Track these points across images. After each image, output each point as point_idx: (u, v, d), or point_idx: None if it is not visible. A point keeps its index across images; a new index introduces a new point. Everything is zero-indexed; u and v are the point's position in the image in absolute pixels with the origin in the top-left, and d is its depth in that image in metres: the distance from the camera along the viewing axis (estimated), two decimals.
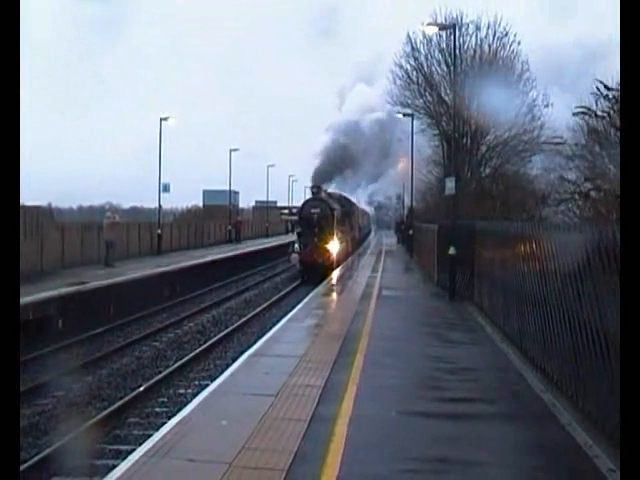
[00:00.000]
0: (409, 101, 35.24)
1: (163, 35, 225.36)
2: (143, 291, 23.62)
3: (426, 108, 34.84)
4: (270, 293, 28.79)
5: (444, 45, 32.16)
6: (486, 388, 9.51)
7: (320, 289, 22.34)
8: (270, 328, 15.29)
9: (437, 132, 35.09)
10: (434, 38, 32.49)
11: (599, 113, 15.65)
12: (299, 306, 17.96)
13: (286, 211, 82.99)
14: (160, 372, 14.30)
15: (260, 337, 14.11)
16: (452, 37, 25.11)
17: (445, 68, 32.44)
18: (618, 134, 13.53)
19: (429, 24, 26.08)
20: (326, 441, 6.81)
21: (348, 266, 32.86)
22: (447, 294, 19.91)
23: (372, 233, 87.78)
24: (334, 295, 21.40)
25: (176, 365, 14.78)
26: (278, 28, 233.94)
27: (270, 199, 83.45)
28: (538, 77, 31.60)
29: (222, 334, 18.67)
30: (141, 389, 12.73)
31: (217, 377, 10.35)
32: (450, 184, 20.45)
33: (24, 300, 16.01)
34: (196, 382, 13.58)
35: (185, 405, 8.77)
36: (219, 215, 61.53)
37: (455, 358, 11.50)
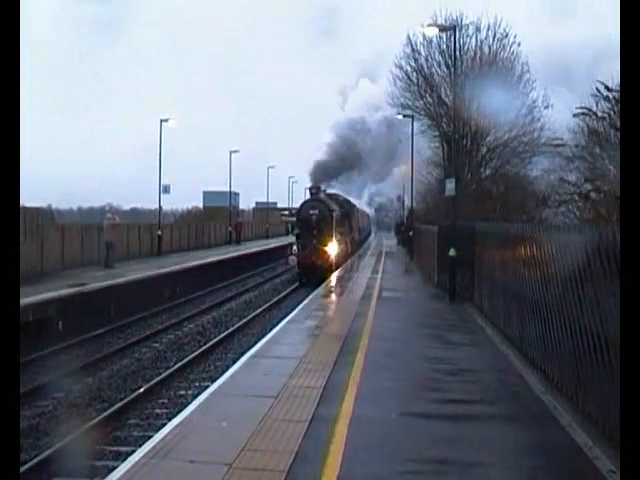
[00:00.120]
0: (409, 102, 35.30)
1: (163, 36, 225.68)
2: (143, 292, 23.62)
3: (426, 109, 34.88)
4: (270, 294, 28.77)
5: (444, 46, 32.22)
6: (486, 389, 9.50)
7: (320, 290, 22.34)
8: (270, 329, 15.29)
9: (437, 133, 35.12)
10: (434, 39, 32.57)
11: (599, 114, 15.64)
12: (299, 307, 17.96)
13: (286, 212, 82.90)
14: (160, 373, 14.30)
15: (260, 338, 14.10)
16: (452, 38, 25.13)
17: (445, 69, 32.48)
18: (618, 135, 13.53)
19: (429, 25, 26.06)
20: (326, 442, 6.81)
21: (348, 267, 32.82)
22: (447, 295, 19.91)
23: (372, 234, 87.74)
24: (334, 296, 21.40)
25: (176, 366, 14.77)
26: (278, 28, 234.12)
27: (270, 200, 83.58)
28: (539, 78, 31.68)
29: (222, 335, 18.66)
30: (141, 390, 12.72)
31: (217, 378, 10.35)
32: (450, 185, 20.45)
33: (24, 301, 16.01)
34: (196, 383, 13.57)
35: (185, 406, 8.77)
36: (219, 216, 61.53)
37: (455, 359, 11.50)
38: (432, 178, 37.93)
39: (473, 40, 32.09)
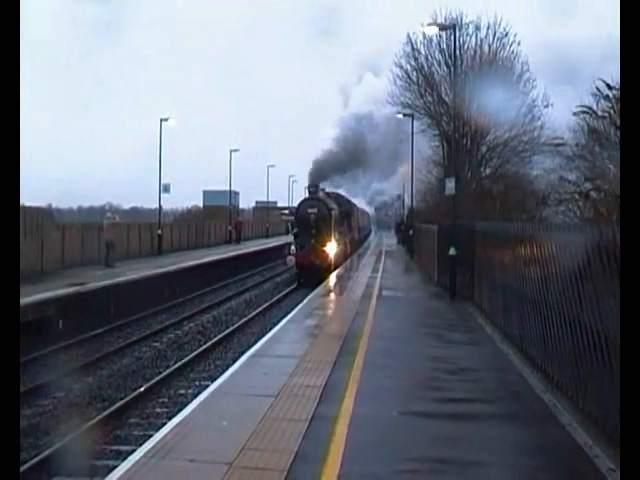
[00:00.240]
0: (409, 101, 35.28)
1: (163, 36, 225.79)
2: (143, 292, 23.62)
3: (426, 108, 34.86)
4: (270, 294, 28.77)
5: (444, 45, 32.22)
6: (486, 388, 9.50)
7: (320, 290, 22.34)
8: (270, 328, 15.29)
9: (437, 132, 35.10)
10: (434, 38, 32.56)
11: (599, 113, 15.64)
12: (299, 306, 17.96)
13: (286, 211, 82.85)
14: (160, 373, 14.30)
15: (260, 337, 14.10)
16: (452, 37, 25.12)
17: (445, 68, 32.49)
18: (618, 134, 13.52)
19: (429, 24, 26.07)
20: (326, 441, 6.81)
21: (348, 266, 32.80)
22: (447, 294, 19.92)
23: (372, 234, 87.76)
24: (334, 295, 21.40)
25: (176, 365, 14.77)
26: (278, 29, 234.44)
27: (270, 199, 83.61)
28: (538, 77, 31.65)
29: (222, 334, 18.66)
30: (141, 389, 12.72)
31: (217, 378, 10.35)
32: (450, 184, 20.46)
33: (24, 301, 16.01)
34: (196, 382, 13.58)
35: (185, 405, 8.77)
36: (219, 215, 61.59)
37: (455, 358, 11.50)
38: (432, 177, 37.93)
39: (473, 39, 32.14)
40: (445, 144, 33.70)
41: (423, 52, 33.73)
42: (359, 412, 7.89)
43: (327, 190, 37.69)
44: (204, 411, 8.01)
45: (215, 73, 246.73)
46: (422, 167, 38.78)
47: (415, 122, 35.49)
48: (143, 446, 6.84)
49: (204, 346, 17.02)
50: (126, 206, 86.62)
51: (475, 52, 32.11)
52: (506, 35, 31.64)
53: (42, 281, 21.18)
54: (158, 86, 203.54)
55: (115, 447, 9.89)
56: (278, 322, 15.85)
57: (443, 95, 32.87)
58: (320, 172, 39.08)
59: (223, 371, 11.27)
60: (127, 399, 12.05)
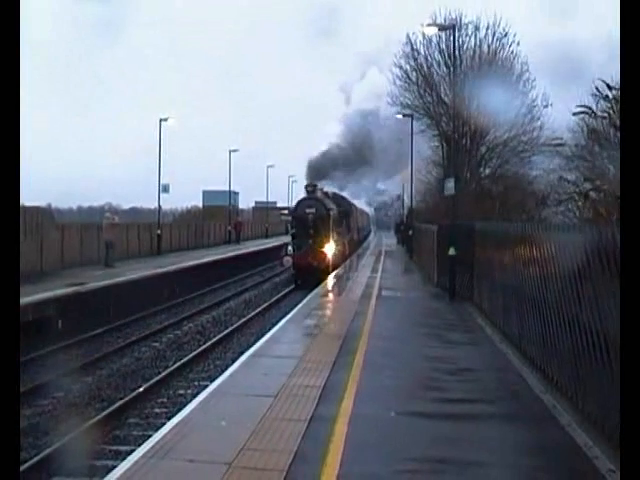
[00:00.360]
0: (409, 102, 35.27)
1: (162, 37, 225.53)
2: (142, 292, 23.61)
3: (426, 109, 34.85)
4: (270, 294, 28.77)
5: (444, 46, 32.21)
6: (486, 389, 9.50)
7: (319, 290, 22.33)
8: (270, 329, 15.29)
9: (437, 133, 35.09)
10: (434, 39, 32.56)
11: (599, 113, 15.64)
12: (298, 307, 17.96)
13: (286, 212, 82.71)
14: (160, 373, 14.30)
15: (260, 338, 14.10)
16: (452, 38, 25.14)
17: (445, 69, 32.47)
18: (618, 134, 13.53)
19: (429, 25, 26.09)
20: (326, 441, 6.81)
21: (347, 267, 32.76)
22: (447, 295, 19.91)
23: (372, 234, 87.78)
24: (334, 295, 21.40)
25: (176, 366, 14.77)
26: (278, 29, 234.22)
27: (270, 200, 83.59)
28: (538, 77, 31.63)
29: (222, 335, 18.66)
30: (141, 390, 12.72)
31: (217, 378, 10.34)
32: (449, 185, 20.46)
33: (24, 300, 16.00)
34: (196, 383, 13.57)
35: (185, 406, 8.77)
36: (219, 216, 61.57)
37: (455, 359, 11.50)
38: (432, 177, 37.92)
39: (472, 39, 32.12)
40: (445, 144, 33.68)
41: (422, 52, 33.76)
42: (358, 412, 7.89)
43: (326, 189, 37.28)
44: (203, 411, 8.01)
45: (215, 73, 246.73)
46: (422, 167, 38.77)
47: (415, 122, 35.47)
48: (142, 446, 6.83)
49: (203, 346, 17.02)
50: (126, 206, 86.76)
51: (474, 52, 32.11)
52: (505, 35, 31.67)
53: (42, 281, 21.17)
54: (158, 86, 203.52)
55: (114, 447, 9.88)
56: (277, 322, 15.86)
57: (442, 95, 32.87)
58: (319, 170, 38.67)
59: (222, 371, 11.26)
60: (126, 399, 12.05)
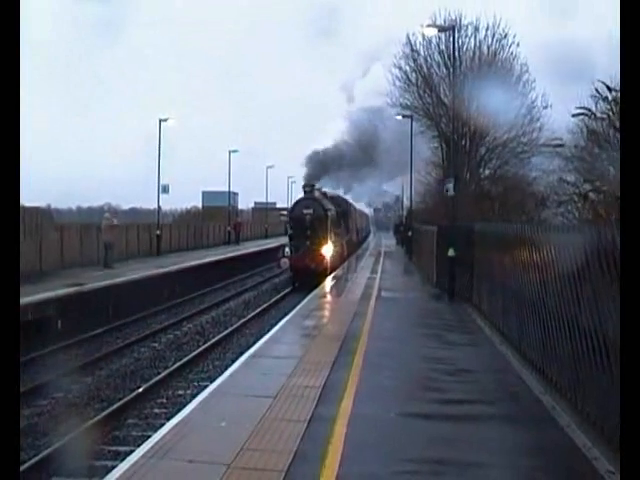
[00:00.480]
0: (408, 102, 35.27)
1: (162, 37, 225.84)
2: (142, 292, 23.61)
3: (425, 110, 34.85)
4: (269, 295, 28.75)
5: (443, 47, 32.20)
6: (485, 390, 9.50)
7: (319, 291, 22.34)
8: (269, 329, 15.28)
9: (436, 134, 35.09)
10: (433, 40, 32.55)
11: (598, 115, 15.64)
12: (298, 307, 17.96)
13: (285, 212, 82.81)
14: (159, 373, 14.29)
15: (259, 338, 14.10)
16: (451, 39, 25.13)
17: (444, 70, 32.46)
18: (618, 135, 13.53)
19: (428, 26, 26.06)
20: (325, 442, 6.81)
21: (347, 267, 32.73)
22: (446, 296, 19.92)
23: (371, 235, 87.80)
24: (333, 296, 21.40)
25: (175, 366, 14.77)
26: (278, 29, 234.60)
27: (269, 200, 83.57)
28: (538, 78, 31.63)
29: (221, 335, 18.66)
30: (140, 390, 12.71)
31: (216, 378, 10.34)
32: (449, 185, 20.48)
33: (23, 300, 15.99)
34: (195, 383, 13.58)
35: (184, 406, 8.76)
36: (218, 216, 61.57)
37: (454, 360, 11.50)
38: (431, 178, 37.92)
39: (472, 40, 32.12)
40: (444, 145, 33.68)
41: (422, 53, 33.76)
42: (358, 413, 7.89)
43: (324, 190, 36.84)
44: (203, 412, 8.01)
45: (215, 73, 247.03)
46: (421, 168, 38.77)
47: (414, 123, 35.47)
48: (142, 447, 6.83)
49: (203, 347, 17.01)
50: (125, 206, 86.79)
51: (474, 53, 32.11)
52: (505, 36, 31.66)
53: (41, 281, 21.17)
54: (158, 86, 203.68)
55: (114, 448, 9.88)
56: (277, 323, 15.85)
57: (442, 96, 32.87)
58: (322, 165, 38.18)
59: (222, 372, 11.26)
60: (126, 400, 12.05)
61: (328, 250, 30.42)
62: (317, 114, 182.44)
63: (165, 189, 40.33)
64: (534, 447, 7.06)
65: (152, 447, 6.70)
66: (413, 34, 33.62)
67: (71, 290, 19.77)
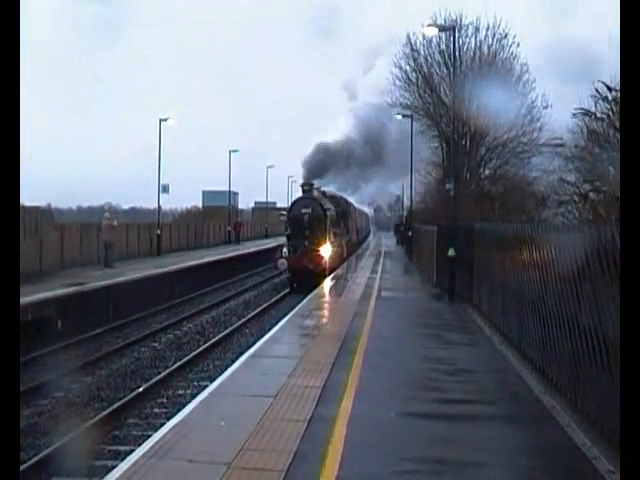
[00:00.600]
0: (409, 102, 35.28)
1: (162, 37, 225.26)
2: (142, 292, 23.61)
3: (426, 109, 34.85)
4: (269, 294, 28.73)
5: (444, 46, 32.21)
6: (485, 389, 9.50)
7: (319, 290, 22.34)
8: (269, 329, 15.28)
9: (436, 133, 35.09)
10: (434, 39, 32.57)
11: (598, 115, 15.65)
12: (298, 307, 17.96)
13: (285, 212, 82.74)
14: (159, 373, 14.29)
15: (259, 338, 14.10)
16: (452, 39, 25.14)
17: (445, 69, 32.47)
18: (618, 135, 13.54)
19: (429, 25, 26.08)
20: (325, 442, 6.81)
21: (347, 267, 32.68)
22: (446, 296, 19.92)
23: (372, 234, 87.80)
24: (333, 296, 21.40)
25: (175, 366, 14.77)
26: (278, 29, 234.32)
27: (269, 200, 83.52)
28: (538, 78, 31.65)
29: (221, 335, 18.66)
30: (140, 390, 12.71)
31: (216, 378, 10.34)
32: (449, 185, 20.50)
33: (23, 300, 15.99)
34: (195, 383, 13.57)
35: (184, 406, 8.77)
36: (218, 216, 61.62)
37: (454, 359, 11.50)
38: (431, 178, 37.93)
39: (472, 40, 32.16)
40: (444, 145, 33.69)
41: (422, 53, 33.79)
42: (358, 413, 7.89)
43: (323, 189, 36.35)
44: (203, 411, 8.01)
45: (215, 73, 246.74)
46: (421, 168, 38.76)
47: (414, 123, 35.46)
48: (142, 446, 6.84)
49: (203, 346, 17.01)
50: (125, 206, 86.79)
51: (474, 53, 32.15)
52: (505, 36, 31.71)
53: (41, 281, 21.17)
54: (158, 86, 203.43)
55: (114, 447, 9.88)
56: (277, 323, 15.85)
57: (442, 96, 32.87)
58: (318, 167, 37.93)
59: (222, 372, 11.26)
60: (126, 399, 12.05)
61: (327, 250, 29.83)
62: (317, 114, 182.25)
63: (165, 189, 40.35)
64: (534, 447, 7.06)
65: (152, 447, 6.70)
66: (414, 34, 33.69)
67: (71, 290, 19.77)
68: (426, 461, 6.56)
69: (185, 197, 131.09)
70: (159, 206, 40.21)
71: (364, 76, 61.63)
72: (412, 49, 33.93)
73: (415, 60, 34.03)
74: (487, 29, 31.82)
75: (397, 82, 35.01)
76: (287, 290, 29.00)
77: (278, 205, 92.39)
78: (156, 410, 11.82)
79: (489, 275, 14.82)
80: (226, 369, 11.02)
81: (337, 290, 22.81)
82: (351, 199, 48.05)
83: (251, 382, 9.59)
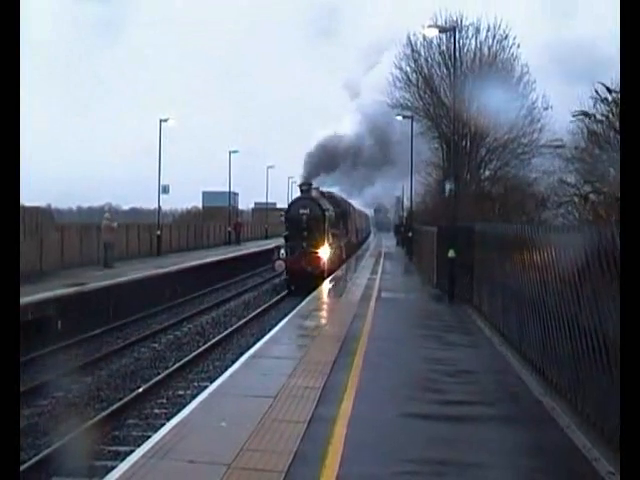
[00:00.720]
0: (409, 103, 35.27)
1: (162, 37, 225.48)
2: (142, 292, 23.61)
3: (426, 110, 34.85)
4: (269, 295, 28.73)
5: (444, 47, 32.22)
6: (485, 391, 9.50)
7: (319, 291, 22.33)
8: (269, 330, 15.28)
9: (437, 134, 35.09)
10: (434, 40, 32.58)
11: (598, 116, 15.65)
12: (298, 308, 17.94)
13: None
14: (159, 373, 14.29)
15: (259, 339, 14.10)
16: (452, 40, 25.14)
17: (445, 70, 32.48)
18: (617, 137, 13.54)
19: (429, 26, 26.07)
20: (325, 442, 6.80)
21: (346, 268, 32.64)
22: (446, 297, 19.91)
23: (372, 235, 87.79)
24: (333, 297, 21.38)
25: (175, 366, 14.77)
26: (278, 29, 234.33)
27: (270, 201, 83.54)
28: (538, 79, 31.67)
29: (221, 335, 18.66)
30: (140, 390, 12.71)
31: (216, 378, 10.34)
32: (449, 186, 20.50)
33: (23, 300, 15.99)
34: (195, 383, 13.57)
35: (184, 406, 8.76)
36: (218, 216, 61.60)
37: (454, 361, 11.50)
38: (431, 179, 37.92)
39: (473, 41, 32.18)
40: (444, 146, 33.69)
41: (423, 54, 33.80)
42: (358, 413, 7.88)
43: (322, 189, 35.63)
44: (203, 412, 8.01)
45: (215, 73, 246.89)
46: (421, 169, 38.75)
47: (415, 124, 35.45)
48: (142, 447, 6.83)
49: (203, 347, 17.01)
50: (125, 207, 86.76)
51: (475, 54, 32.16)
52: (506, 37, 31.75)
53: (41, 281, 21.16)
54: (158, 86, 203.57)
55: (114, 448, 9.88)
56: (277, 323, 15.85)
57: (443, 97, 32.88)
58: (321, 165, 37.68)
59: (222, 372, 11.26)
60: (126, 400, 12.05)
61: (325, 252, 29.35)
62: (317, 114, 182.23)
63: (165, 189, 40.37)
64: (534, 448, 7.06)
65: (152, 447, 6.70)
66: (414, 34, 33.71)
67: (71, 290, 19.77)
68: (426, 462, 6.56)
69: (185, 198, 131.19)
70: (159, 206, 40.25)
71: (368, 73, 61.16)
72: (412, 50, 33.99)
73: (415, 61, 34.09)
74: (487, 30, 31.90)
75: (397, 83, 35.07)
76: (287, 291, 28.79)
77: (278, 206, 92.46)
78: (156, 411, 11.82)
79: (489, 276, 14.82)
80: (226, 370, 11.01)
81: (337, 291, 22.79)
82: (355, 200, 47.79)
83: (251, 383, 9.58)
